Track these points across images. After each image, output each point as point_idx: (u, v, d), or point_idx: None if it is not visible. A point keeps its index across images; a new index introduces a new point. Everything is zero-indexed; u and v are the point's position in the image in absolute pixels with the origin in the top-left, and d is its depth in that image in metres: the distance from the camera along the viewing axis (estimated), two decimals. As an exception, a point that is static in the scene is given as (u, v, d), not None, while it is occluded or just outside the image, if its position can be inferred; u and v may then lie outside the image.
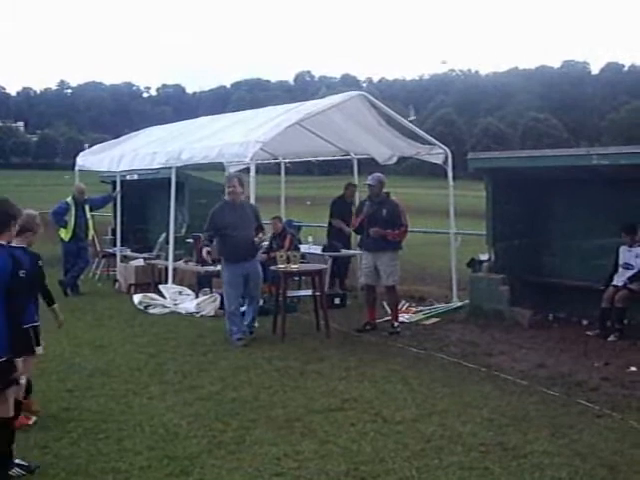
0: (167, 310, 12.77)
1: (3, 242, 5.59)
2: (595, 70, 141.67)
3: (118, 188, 16.57)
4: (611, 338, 10.24)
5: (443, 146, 13.79)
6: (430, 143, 13.91)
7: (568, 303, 11.62)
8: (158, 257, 15.64)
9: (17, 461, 5.86)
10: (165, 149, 13.97)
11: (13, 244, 5.92)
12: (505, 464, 5.90)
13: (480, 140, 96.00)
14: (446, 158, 13.67)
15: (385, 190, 11.34)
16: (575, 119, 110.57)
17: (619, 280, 10.58)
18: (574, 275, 11.58)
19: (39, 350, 6.76)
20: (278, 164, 17.07)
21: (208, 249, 10.69)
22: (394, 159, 14.42)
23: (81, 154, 17.46)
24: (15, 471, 5.78)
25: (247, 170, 11.98)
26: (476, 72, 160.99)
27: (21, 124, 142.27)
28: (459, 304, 12.90)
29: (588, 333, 10.54)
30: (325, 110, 12.66)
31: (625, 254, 10.67)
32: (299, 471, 5.81)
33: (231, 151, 11.90)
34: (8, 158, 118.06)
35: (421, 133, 13.89)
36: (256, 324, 10.84)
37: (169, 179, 14.19)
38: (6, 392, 5.56)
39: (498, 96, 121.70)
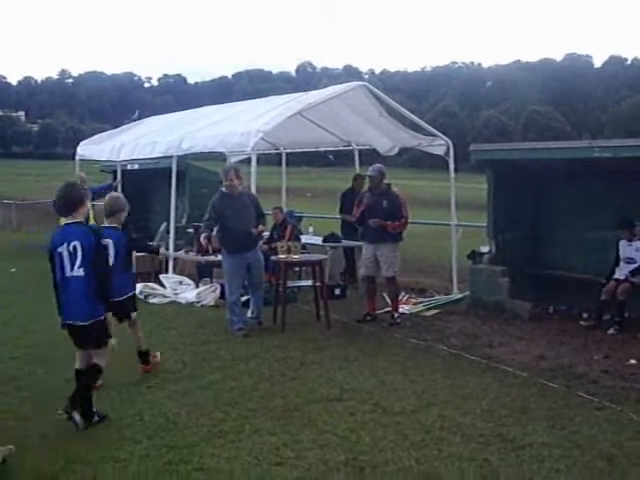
0: (167, 300, 12.77)
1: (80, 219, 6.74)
2: (598, 63, 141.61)
3: (118, 177, 16.56)
4: (611, 331, 10.25)
5: (445, 137, 13.77)
6: (432, 134, 13.89)
7: (568, 295, 11.61)
8: (159, 247, 15.62)
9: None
10: (166, 138, 13.94)
11: (105, 224, 7.98)
12: (504, 455, 5.91)
13: (482, 132, 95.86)
14: (448, 149, 13.66)
15: (386, 181, 11.33)
16: (577, 112, 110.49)
17: (621, 273, 10.58)
18: (575, 268, 11.58)
19: (133, 315, 8.26)
20: (279, 155, 17.05)
21: (206, 234, 10.56)
22: (395, 150, 14.39)
23: (82, 143, 17.41)
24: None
25: (248, 160, 11.95)
26: (479, 64, 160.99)
27: (22, 113, 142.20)
28: (459, 296, 12.90)
29: (582, 323, 10.59)
30: (327, 100, 12.63)
31: (626, 248, 10.66)
32: (298, 460, 5.82)
33: (232, 141, 11.87)
34: (9, 147, 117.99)
35: (423, 124, 13.87)
36: (262, 316, 10.84)
37: (170, 169, 14.18)
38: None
39: (500, 88, 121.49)
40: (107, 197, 8.19)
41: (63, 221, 6.77)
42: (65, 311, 6.71)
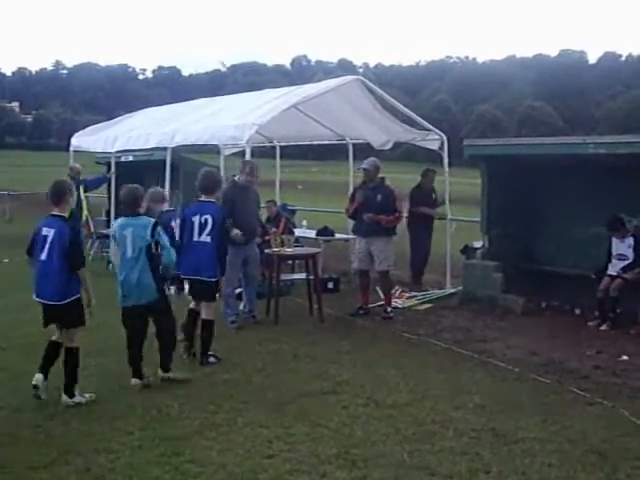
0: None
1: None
2: (592, 59, 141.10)
3: (112, 169, 16.49)
4: (604, 327, 10.28)
5: (439, 132, 13.77)
6: (426, 129, 13.88)
7: (561, 291, 11.61)
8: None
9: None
10: (159, 130, 13.88)
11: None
12: (496, 450, 5.94)
13: (476, 127, 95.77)
14: (442, 144, 13.66)
15: (380, 175, 11.33)
16: (571, 108, 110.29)
17: (613, 270, 10.59)
18: (568, 263, 11.58)
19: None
20: (273, 148, 17.01)
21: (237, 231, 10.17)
22: (390, 144, 14.38)
23: (76, 135, 17.31)
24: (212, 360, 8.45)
25: (242, 153, 11.91)
26: (473, 59, 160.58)
27: (16, 104, 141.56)
28: (452, 290, 12.90)
29: (590, 324, 10.51)
30: (322, 94, 12.59)
31: (618, 245, 10.66)
32: (290, 453, 5.84)
33: (227, 133, 11.82)
34: (2, 138, 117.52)
35: (417, 119, 13.83)
36: (255, 309, 10.81)
37: (164, 161, 14.13)
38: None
39: (495, 83, 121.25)
40: (151, 191, 8.91)
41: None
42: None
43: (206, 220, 8.61)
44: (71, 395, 7.07)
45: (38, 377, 7.12)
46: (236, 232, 9.95)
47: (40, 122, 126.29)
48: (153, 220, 7.76)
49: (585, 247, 11.40)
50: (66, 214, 7.33)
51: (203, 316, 8.58)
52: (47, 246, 7.09)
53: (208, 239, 8.56)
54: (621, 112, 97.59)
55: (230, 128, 11.76)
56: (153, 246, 7.58)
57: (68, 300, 7.08)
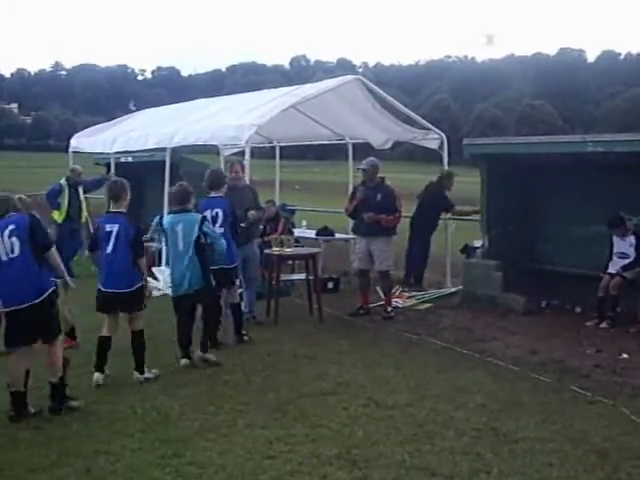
0: (160, 293, 12.72)
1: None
2: (591, 58, 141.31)
3: (112, 170, 16.48)
4: (603, 325, 10.27)
5: (439, 131, 13.77)
6: (426, 128, 13.88)
7: (562, 290, 11.58)
8: (152, 240, 15.55)
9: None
10: (158, 131, 13.89)
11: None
12: (497, 449, 5.93)
13: (475, 126, 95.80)
14: (442, 143, 13.66)
15: (380, 175, 11.33)
16: (570, 107, 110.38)
17: (614, 268, 10.58)
18: (568, 262, 11.56)
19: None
20: (273, 148, 17.00)
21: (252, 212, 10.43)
22: (389, 144, 14.37)
23: (75, 136, 17.33)
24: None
25: (242, 153, 11.91)
26: (472, 58, 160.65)
27: (15, 106, 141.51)
28: (453, 290, 12.89)
29: (587, 324, 10.48)
30: (321, 94, 12.59)
31: (619, 243, 10.64)
32: (290, 454, 5.83)
33: (226, 134, 11.82)
34: (1, 140, 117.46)
35: (417, 118, 13.84)
36: (256, 310, 10.79)
37: (164, 161, 14.12)
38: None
39: (494, 82, 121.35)
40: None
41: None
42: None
43: (217, 213, 9.45)
44: (141, 372, 7.87)
45: (98, 377, 7.77)
46: (252, 213, 10.34)
47: (39, 123, 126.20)
48: (200, 215, 8.65)
49: (585, 246, 11.39)
50: (124, 210, 8.00)
51: (230, 301, 9.62)
52: (112, 240, 7.77)
53: (221, 230, 9.24)
54: (620, 110, 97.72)
55: (229, 128, 11.77)
56: (203, 239, 8.43)
57: (135, 287, 7.82)
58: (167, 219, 8.73)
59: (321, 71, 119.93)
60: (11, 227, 6.79)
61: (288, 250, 11.01)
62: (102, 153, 16.58)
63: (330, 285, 13.08)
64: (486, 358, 8.75)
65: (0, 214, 6.90)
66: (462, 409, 6.90)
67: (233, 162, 10.98)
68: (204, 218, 8.67)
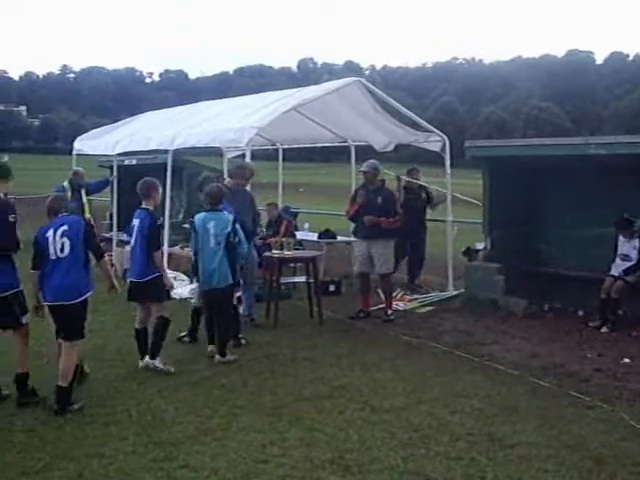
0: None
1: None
2: (599, 59, 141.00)
3: (115, 173, 16.48)
4: (604, 329, 10.21)
5: (441, 134, 13.71)
6: (428, 130, 13.83)
7: (564, 293, 11.52)
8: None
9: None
10: (160, 133, 13.88)
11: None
12: (492, 454, 5.89)
13: (482, 128, 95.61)
14: (444, 146, 13.59)
15: (380, 178, 11.29)
16: (578, 108, 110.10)
17: (616, 271, 10.51)
18: (571, 265, 11.52)
19: None
20: (276, 150, 16.98)
21: None
22: (391, 146, 14.32)
23: (79, 138, 17.31)
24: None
25: (244, 156, 11.88)
26: (480, 60, 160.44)
27: (23, 108, 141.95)
28: (454, 293, 12.82)
29: (590, 324, 10.43)
30: (322, 96, 12.56)
31: (624, 245, 10.57)
32: (283, 458, 5.79)
33: (227, 136, 11.80)
34: (10, 142, 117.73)
35: (419, 120, 13.78)
36: (254, 312, 10.74)
37: (166, 164, 14.10)
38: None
39: (501, 85, 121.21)
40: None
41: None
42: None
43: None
44: (152, 357, 8.22)
45: (144, 361, 8.30)
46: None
47: (47, 126, 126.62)
48: (232, 216, 8.98)
49: (588, 248, 11.34)
50: (151, 207, 8.41)
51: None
52: (134, 234, 8.33)
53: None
54: (628, 112, 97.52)
55: (230, 131, 11.76)
56: (232, 237, 8.82)
57: (148, 278, 8.17)
58: (199, 217, 9.05)
59: (328, 73, 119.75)
60: (64, 227, 7.13)
61: (288, 253, 10.97)
62: (105, 155, 16.58)
63: (332, 288, 13.04)
64: (485, 362, 8.68)
65: (54, 213, 7.30)
66: (458, 413, 6.85)
67: (238, 166, 10.90)
68: (235, 218, 9.01)
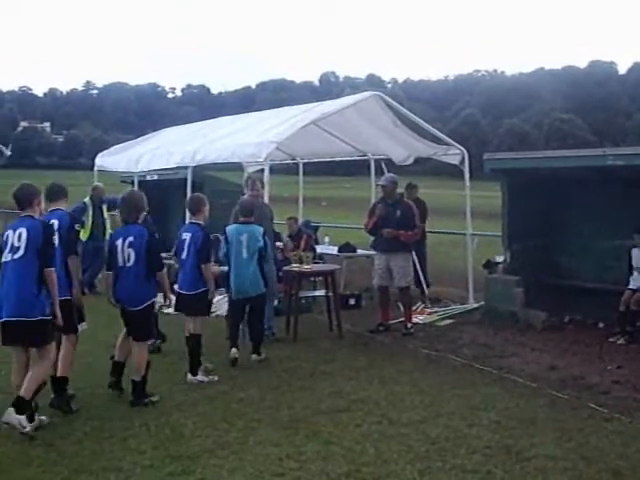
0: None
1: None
2: (622, 70, 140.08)
3: (136, 188, 16.59)
4: (621, 341, 10.15)
5: (460, 147, 13.71)
6: (447, 144, 13.84)
7: (584, 305, 11.44)
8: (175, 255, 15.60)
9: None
10: (181, 149, 13.98)
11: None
12: (508, 467, 5.87)
13: (504, 141, 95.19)
14: (462, 159, 13.58)
15: (399, 191, 11.32)
16: (601, 120, 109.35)
17: (634, 284, 10.44)
18: (590, 277, 11.47)
19: None
20: (297, 165, 17.05)
21: None
22: (411, 160, 14.32)
23: (100, 154, 17.45)
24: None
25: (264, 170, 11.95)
26: (502, 72, 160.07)
27: (47, 124, 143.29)
28: (475, 305, 12.82)
29: (610, 340, 10.33)
30: (341, 110, 12.63)
31: (638, 258, 10.51)
32: (300, 472, 5.81)
33: (246, 151, 11.88)
34: (34, 158, 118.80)
35: (438, 134, 13.80)
36: (274, 326, 10.76)
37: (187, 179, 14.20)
38: None
39: (523, 96, 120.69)
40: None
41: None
42: None
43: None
44: (194, 374, 8.46)
45: (190, 378, 8.50)
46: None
47: (71, 142, 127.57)
48: (262, 229, 9.47)
49: (608, 260, 11.31)
50: (201, 221, 8.85)
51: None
52: (186, 247, 8.64)
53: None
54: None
55: (249, 146, 11.83)
56: (264, 252, 9.38)
57: (198, 291, 8.57)
58: (232, 229, 9.54)
59: (350, 87, 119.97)
60: (130, 239, 7.70)
61: (306, 267, 11.01)
62: (127, 172, 16.71)
63: (352, 301, 13.07)
64: (504, 374, 8.67)
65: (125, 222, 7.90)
66: (476, 426, 6.84)
67: (254, 179, 10.98)
68: (265, 231, 9.54)
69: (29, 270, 6.70)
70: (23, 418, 6.56)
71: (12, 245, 6.77)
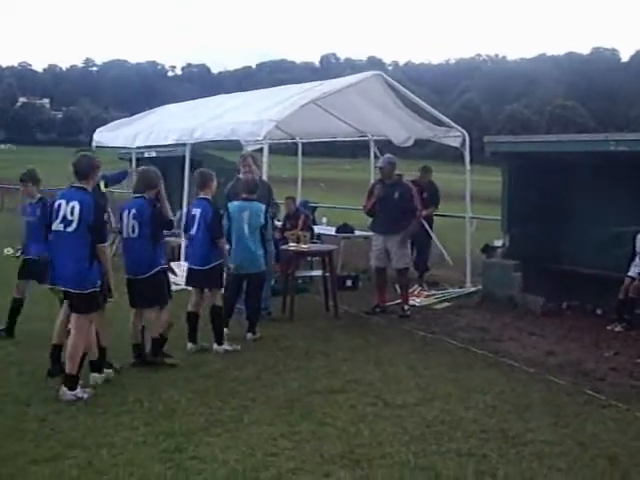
0: (178, 287, 12.66)
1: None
2: (625, 57, 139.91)
3: (133, 165, 16.50)
4: (618, 328, 10.11)
5: (461, 129, 13.61)
6: (448, 126, 13.74)
7: (583, 291, 11.41)
8: (173, 235, 15.54)
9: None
10: (179, 126, 13.88)
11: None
12: (504, 451, 5.83)
13: (505, 126, 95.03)
14: (463, 141, 13.49)
15: (397, 172, 11.24)
16: (603, 107, 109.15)
17: (634, 271, 10.37)
18: (589, 263, 11.39)
19: None
20: (296, 145, 16.96)
21: None
22: (411, 141, 14.22)
23: (98, 130, 17.34)
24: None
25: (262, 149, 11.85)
26: (503, 57, 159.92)
27: (47, 101, 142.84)
28: (472, 289, 12.79)
29: (608, 327, 10.26)
30: (341, 90, 12.51)
31: (642, 244, 10.46)
32: (294, 452, 5.76)
33: (245, 129, 11.77)
34: (33, 135, 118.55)
35: (439, 115, 13.68)
36: (271, 306, 10.73)
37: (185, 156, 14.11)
38: None
39: (525, 82, 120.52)
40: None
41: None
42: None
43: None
44: (220, 343, 8.74)
45: (190, 347, 8.79)
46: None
47: (70, 119, 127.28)
48: (264, 206, 9.48)
49: (608, 247, 11.21)
50: (209, 196, 8.90)
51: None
52: (195, 223, 8.75)
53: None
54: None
55: (248, 124, 11.72)
56: (265, 230, 9.44)
57: (210, 265, 8.70)
58: (234, 205, 9.47)
59: (351, 69, 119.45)
60: (133, 211, 7.93)
61: (304, 246, 10.95)
62: (125, 148, 16.62)
63: (349, 282, 13.03)
64: (501, 359, 8.62)
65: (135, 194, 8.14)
66: (472, 410, 6.80)
67: (246, 156, 10.83)
68: (267, 208, 9.66)
69: (82, 245, 6.95)
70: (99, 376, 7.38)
71: (64, 217, 6.95)
